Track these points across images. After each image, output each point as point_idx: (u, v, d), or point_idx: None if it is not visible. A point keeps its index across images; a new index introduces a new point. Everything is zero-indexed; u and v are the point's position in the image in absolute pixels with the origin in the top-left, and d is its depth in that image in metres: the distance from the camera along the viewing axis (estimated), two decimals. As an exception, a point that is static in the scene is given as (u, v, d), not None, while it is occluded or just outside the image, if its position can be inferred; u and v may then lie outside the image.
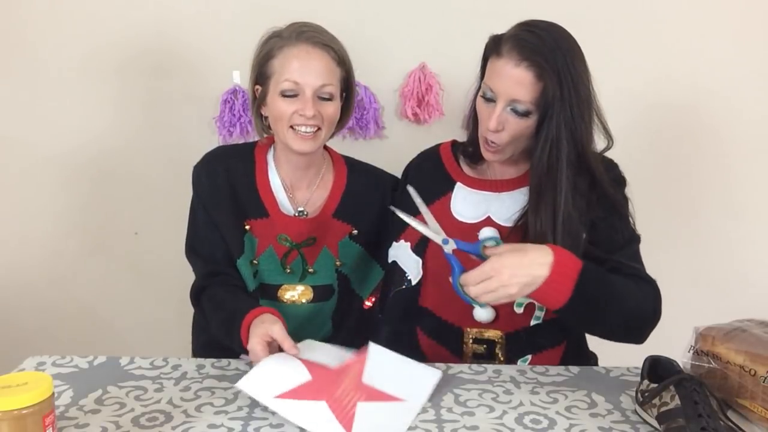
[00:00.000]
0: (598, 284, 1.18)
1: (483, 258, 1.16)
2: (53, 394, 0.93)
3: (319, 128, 1.35)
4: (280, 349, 1.18)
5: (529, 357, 1.34)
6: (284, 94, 1.33)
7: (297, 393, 1.09)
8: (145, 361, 1.26)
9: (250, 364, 1.21)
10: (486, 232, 1.33)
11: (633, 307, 1.22)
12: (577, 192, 1.27)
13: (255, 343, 1.16)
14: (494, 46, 1.28)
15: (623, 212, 1.33)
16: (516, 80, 1.24)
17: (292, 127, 1.34)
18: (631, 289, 1.23)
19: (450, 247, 1.21)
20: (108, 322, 2.04)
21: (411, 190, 1.29)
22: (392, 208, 1.31)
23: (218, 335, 1.32)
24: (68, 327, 2.02)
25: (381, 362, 1.20)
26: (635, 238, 1.34)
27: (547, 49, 1.22)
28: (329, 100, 1.35)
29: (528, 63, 1.23)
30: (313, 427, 1.03)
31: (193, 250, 1.44)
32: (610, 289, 1.20)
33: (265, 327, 1.18)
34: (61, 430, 1.02)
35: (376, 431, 1.04)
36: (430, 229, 1.24)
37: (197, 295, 1.40)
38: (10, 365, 1.24)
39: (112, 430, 1.03)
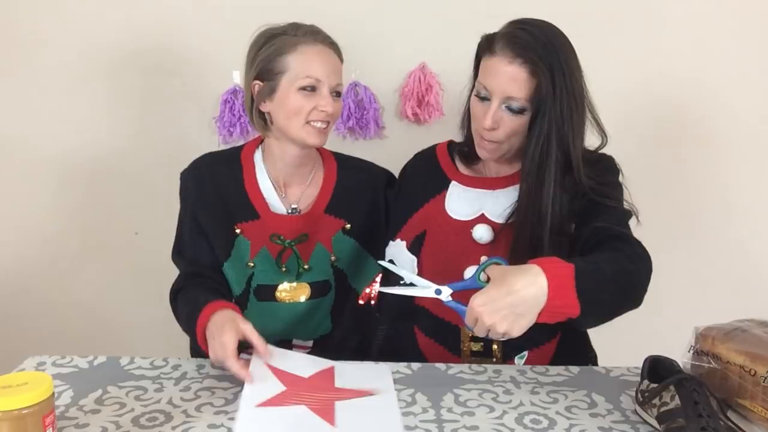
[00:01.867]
0: (597, 282, 1.08)
1: (482, 285, 1.09)
2: (53, 394, 0.93)
3: (329, 123, 1.39)
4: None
5: (526, 353, 1.35)
6: (303, 89, 1.36)
7: (276, 401, 1.08)
8: (145, 361, 1.26)
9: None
10: (479, 231, 1.35)
11: (633, 281, 1.14)
12: (563, 189, 1.27)
13: (229, 338, 1.13)
14: (487, 45, 1.29)
15: (611, 197, 1.30)
16: (510, 77, 1.24)
17: (308, 122, 1.37)
18: (622, 264, 1.13)
19: (446, 294, 1.14)
20: (108, 322, 2.03)
21: (385, 263, 1.32)
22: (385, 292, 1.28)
23: (186, 332, 1.34)
24: (68, 327, 2.02)
25: (344, 369, 1.22)
26: (625, 211, 1.29)
27: (539, 46, 1.23)
28: (339, 97, 1.41)
29: (522, 60, 1.23)
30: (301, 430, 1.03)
31: (179, 252, 1.46)
32: (607, 277, 1.10)
33: (236, 324, 1.16)
34: (61, 430, 1.02)
35: (362, 424, 1.04)
36: (420, 286, 1.16)
37: (175, 294, 1.40)
38: (10, 365, 1.24)
39: (112, 430, 1.03)
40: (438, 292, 1.14)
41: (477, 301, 1.03)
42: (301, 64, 1.36)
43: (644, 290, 1.16)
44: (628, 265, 1.13)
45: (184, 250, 1.45)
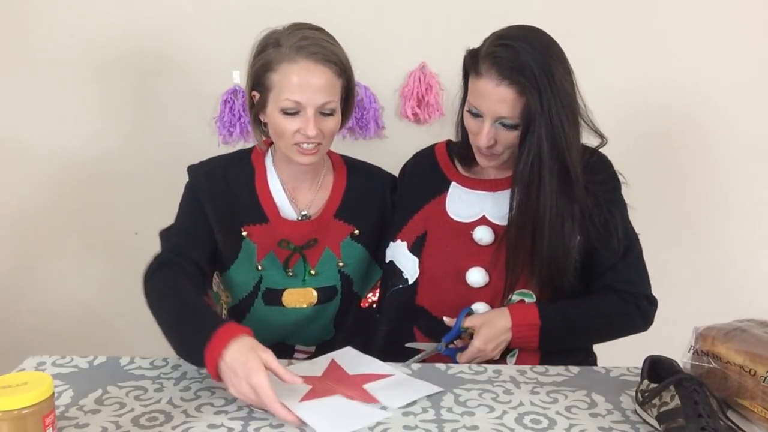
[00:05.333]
0: (561, 326, 1.32)
1: (463, 331, 1.35)
2: (53, 394, 0.93)
3: (319, 143, 1.34)
4: None
5: (516, 351, 1.36)
6: (285, 112, 1.30)
7: (311, 395, 1.12)
8: (145, 361, 1.26)
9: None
10: (480, 233, 1.36)
11: (609, 328, 1.38)
12: (566, 196, 1.28)
13: (261, 380, 1.02)
14: (472, 64, 1.28)
15: (616, 219, 1.35)
16: (499, 99, 1.25)
17: (295, 143, 1.33)
18: (604, 313, 1.35)
19: (442, 346, 1.36)
20: (108, 322, 2.03)
21: (412, 344, 1.39)
22: (409, 345, 1.38)
23: (164, 330, 1.19)
24: (68, 327, 2.02)
25: (342, 358, 1.26)
26: (631, 246, 1.37)
27: (524, 64, 1.22)
28: (331, 115, 1.33)
29: (508, 81, 1.23)
30: (355, 422, 1.06)
31: (169, 229, 1.41)
32: (576, 324, 1.34)
33: (259, 356, 1.05)
34: (61, 430, 1.02)
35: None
36: (427, 349, 1.37)
37: (155, 269, 1.30)
38: (10, 365, 1.24)
39: (112, 430, 1.03)
40: (439, 348, 1.36)
41: (483, 338, 1.31)
42: (281, 86, 1.29)
43: (622, 336, 1.40)
44: (613, 316, 1.36)
45: (175, 226, 1.40)
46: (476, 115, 1.29)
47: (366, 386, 1.16)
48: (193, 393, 1.15)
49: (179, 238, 1.37)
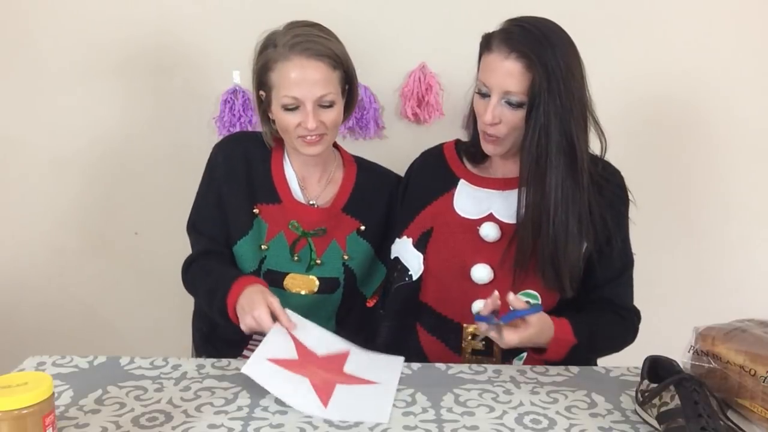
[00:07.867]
0: (587, 347, 1.28)
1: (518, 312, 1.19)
2: (53, 394, 0.93)
3: (322, 135, 1.38)
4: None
5: (524, 354, 1.35)
6: (285, 108, 1.36)
7: (284, 364, 1.15)
8: (145, 361, 1.26)
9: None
10: (486, 229, 1.36)
11: (614, 345, 1.39)
12: (572, 179, 1.27)
13: (263, 312, 1.22)
14: (485, 43, 1.31)
15: (624, 231, 1.37)
16: (506, 72, 1.26)
17: (299, 137, 1.38)
18: (613, 332, 1.36)
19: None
20: (108, 322, 2.03)
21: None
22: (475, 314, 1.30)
23: (203, 303, 1.41)
24: (68, 327, 2.02)
25: (358, 357, 1.28)
26: (629, 263, 1.39)
27: (534, 41, 1.24)
28: (330, 106, 1.38)
29: (517, 54, 1.25)
30: (291, 400, 1.09)
31: (195, 227, 1.48)
32: (596, 345, 1.32)
33: (263, 297, 1.24)
34: (61, 430, 1.02)
35: (352, 408, 1.09)
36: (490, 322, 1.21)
37: (189, 265, 1.45)
38: (10, 365, 1.24)
39: (112, 430, 1.03)
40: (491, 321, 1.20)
41: (515, 340, 1.18)
42: (280, 83, 1.36)
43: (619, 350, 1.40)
44: (618, 335, 1.38)
45: (200, 224, 1.47)
46: (484, 95, 1.30)
47: (347, 371, 1.20)
48: (193, 393, 1.15)
49: (207, 238, 1.46)
